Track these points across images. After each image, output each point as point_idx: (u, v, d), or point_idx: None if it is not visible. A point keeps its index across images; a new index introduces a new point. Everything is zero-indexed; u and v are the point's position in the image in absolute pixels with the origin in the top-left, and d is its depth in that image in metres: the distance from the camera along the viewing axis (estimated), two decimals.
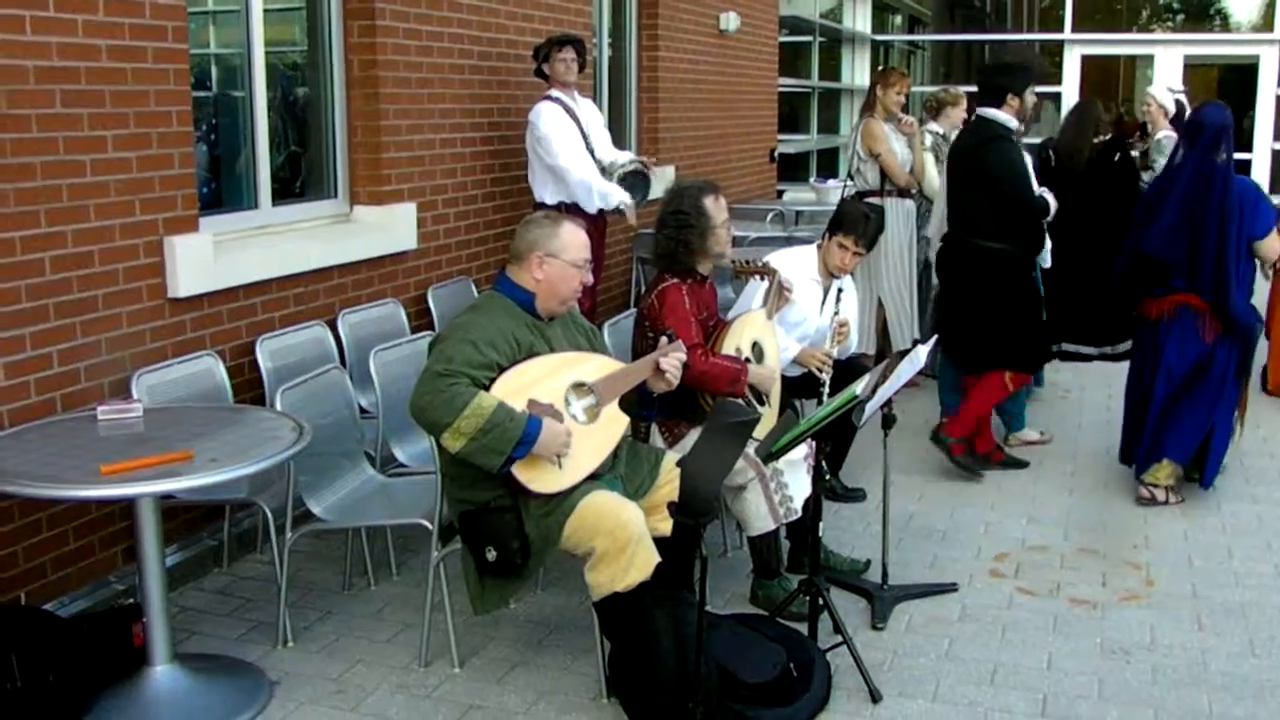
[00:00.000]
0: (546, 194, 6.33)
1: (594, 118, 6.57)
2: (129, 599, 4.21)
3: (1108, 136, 6.99)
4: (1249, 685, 3.89)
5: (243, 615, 4.40)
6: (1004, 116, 5.82)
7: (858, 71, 17.04)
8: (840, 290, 5.21)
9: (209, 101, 5.32)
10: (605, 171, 6.34)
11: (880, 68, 7.45)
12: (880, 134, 7.21)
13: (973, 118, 6.16)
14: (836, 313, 5.12)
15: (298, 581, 4.62)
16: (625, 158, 6.56)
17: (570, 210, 6.15)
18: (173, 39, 4.53)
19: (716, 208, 4.53)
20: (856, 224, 5.06)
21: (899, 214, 7.28)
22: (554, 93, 6.34)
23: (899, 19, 19.02)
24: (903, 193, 7.30)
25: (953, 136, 7.67)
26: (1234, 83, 16.41)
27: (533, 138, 6.29)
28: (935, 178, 7.63)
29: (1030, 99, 5.95)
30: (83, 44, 4.16)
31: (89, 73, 4.19)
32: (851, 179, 7.60)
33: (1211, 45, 16.51)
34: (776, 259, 5.02)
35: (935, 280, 6.72)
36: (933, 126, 7.78)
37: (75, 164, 4.16)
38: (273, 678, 3.91)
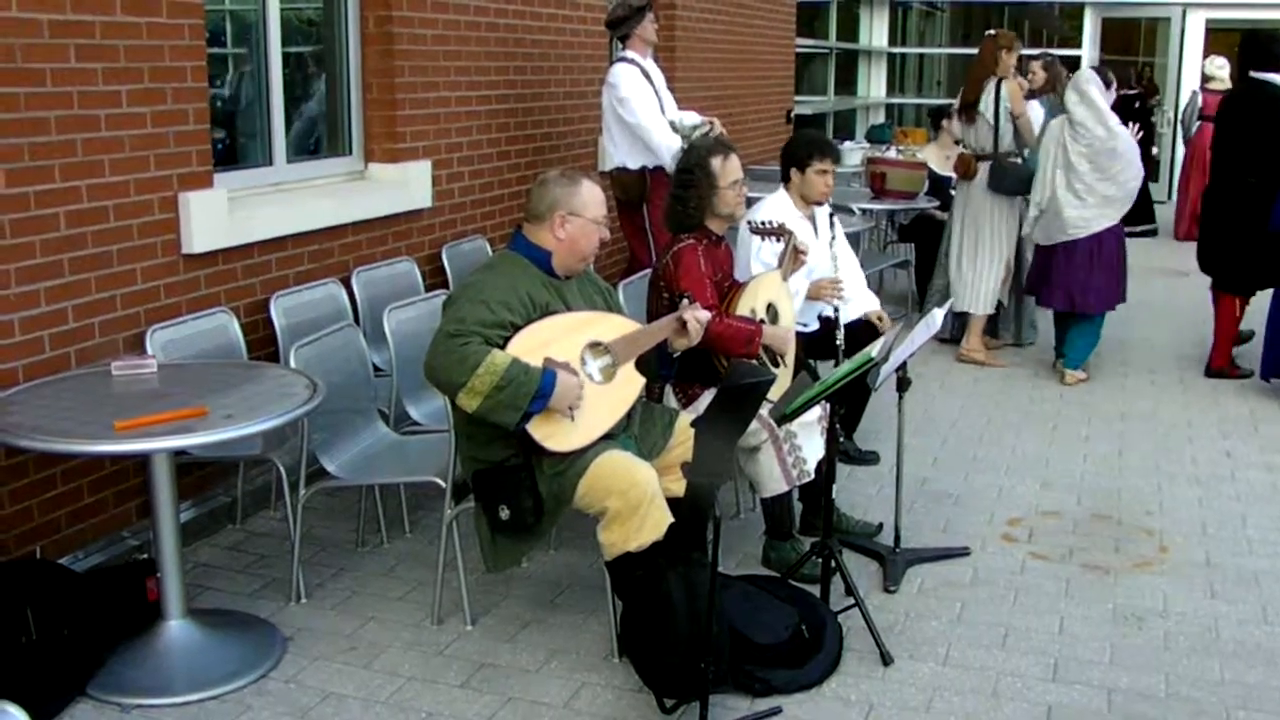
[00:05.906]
0: (629, 159, 6.31)
1: (661, 79, 6.56)
2: (143, 554, 4.24)
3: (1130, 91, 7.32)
4: (1261, 653, 3.89)
5: (256, 571, 4.42)
6: (1277, 78, 6.78)
7: (875, 32, 16.88)
8: (829, 215, 5.34)
9: (224, 57, 5.29)
10: (675, 130, 6.31)
11: (990, 30, 7.33)
12: (1021, 95, 7.16)
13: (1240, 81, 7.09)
14: (833, 237, 5.28)
15: (311, 538, 4.63)
16: (692, 118, 6.51)
17: (654, 174, 6.19)
18: None
19: (724, 168, 4.50)
20: (826, 145, 5.25)
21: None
22: (630, 54, 6.34)
23: None
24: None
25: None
26: None
27: (612, 99, 6.27)
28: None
29: None
30: None
31: (103, 27, 4.16)
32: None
33: (1235, 9, 16.29)
34: (756, 213, 5.02)
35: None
36: None
37: (89, 119, 4.14)
38: (285, 634, 3.93)
